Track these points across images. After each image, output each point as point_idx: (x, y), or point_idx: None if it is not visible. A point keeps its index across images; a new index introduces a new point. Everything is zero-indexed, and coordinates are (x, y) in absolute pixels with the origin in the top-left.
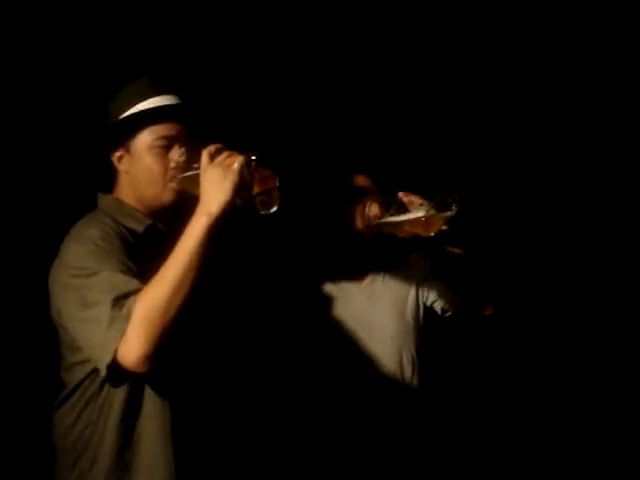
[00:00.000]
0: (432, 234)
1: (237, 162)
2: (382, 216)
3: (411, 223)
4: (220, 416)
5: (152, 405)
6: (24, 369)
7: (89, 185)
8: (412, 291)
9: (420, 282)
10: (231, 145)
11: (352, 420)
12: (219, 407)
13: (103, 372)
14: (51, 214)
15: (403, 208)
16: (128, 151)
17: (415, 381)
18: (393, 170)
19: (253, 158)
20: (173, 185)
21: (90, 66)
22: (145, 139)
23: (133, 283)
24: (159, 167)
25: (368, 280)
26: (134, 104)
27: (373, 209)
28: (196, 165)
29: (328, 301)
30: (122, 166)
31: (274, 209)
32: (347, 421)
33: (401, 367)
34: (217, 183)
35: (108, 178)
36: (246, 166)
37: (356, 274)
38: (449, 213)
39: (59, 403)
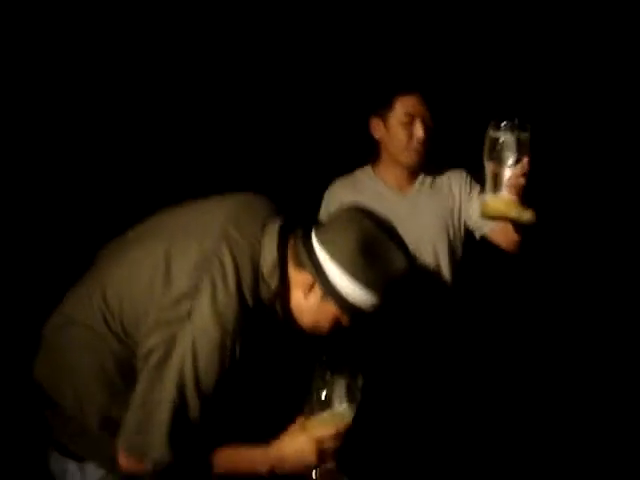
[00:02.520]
0: None
1: (329, 465)
2: None
3: None
4: None
5: None
6: None
7: None
8: (456, 206)
9: (465, 200)
10: None
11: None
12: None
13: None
14: None
15: None
16: (315, 293)
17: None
18: None
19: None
20: None
21: None
22: (330, 309)
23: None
24: (318, 325)
25: (414, 189)
26: (366, 286)
27: None
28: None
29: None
30: (304, 286)
31: None
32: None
33: (440, 277)
34: (305, 462)
35: None
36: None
37: (402, 184)
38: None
39: None
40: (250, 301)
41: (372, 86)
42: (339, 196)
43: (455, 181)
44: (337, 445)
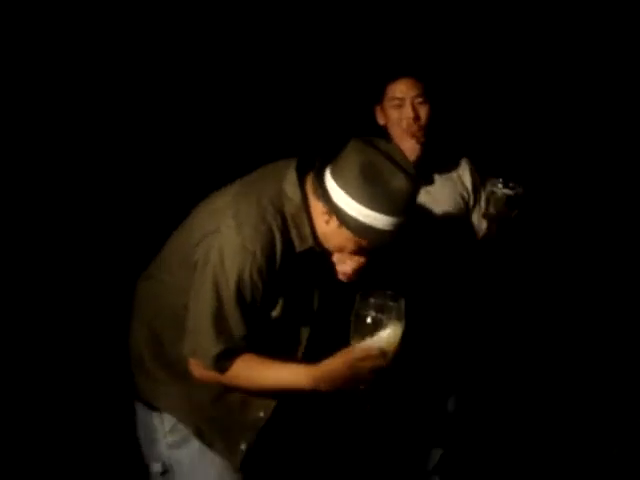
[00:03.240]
0: None
1: (365, 387)
2: None
3: None
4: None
5: None
6: None
7: None
8: (469, 195)
9: (475, 193)
10: None
11: None
12: None
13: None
14: None
15: None
16: (335, 222)
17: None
18: None
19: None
20: None
21: None
22: (351, 238)
23: (242, 342)
24: (348, 251)
25: (428, 177)
26: (376, 209)
27: None
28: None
29: None
30: (324, 217)
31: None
32: None
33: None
34: (342, 381)
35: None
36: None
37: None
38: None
39: None
40: (272, 212)
41: (368, 78)
42: None
43: (465, 171)
44: (376, 366)
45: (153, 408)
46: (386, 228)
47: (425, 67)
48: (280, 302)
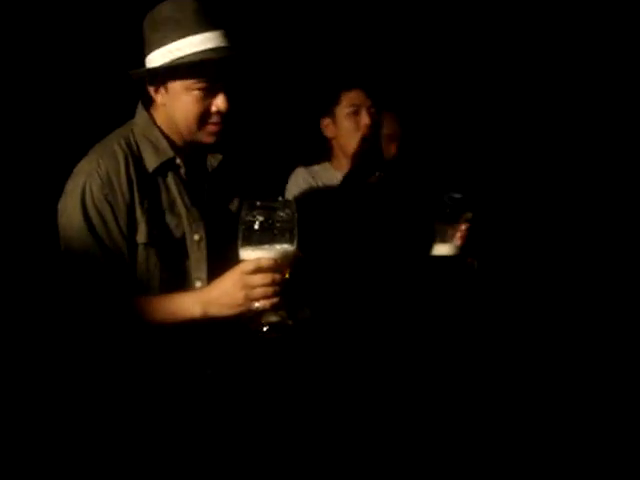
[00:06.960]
0: None
1: (261, 305)
2: None
3: None
4: None
5: None
6: None
7: None
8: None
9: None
10: None
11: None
12: None
13: None
14: None
15: None
16: (166, 89)
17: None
18: None
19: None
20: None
21: None
22: (184, 83)
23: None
24: (198, 109)
25: (370, 183)
26: (179, 36)
27: None
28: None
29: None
30: (159, 98)
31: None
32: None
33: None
34: (233, 300)
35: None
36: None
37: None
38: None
39: None
40: (115, 138)
41: (319, 87)
42: (299, 183)
43: (407, 185)
44: (270, 281)
45: None
46: (200, 48)
47: (375, 79)
48: (143, 226)
